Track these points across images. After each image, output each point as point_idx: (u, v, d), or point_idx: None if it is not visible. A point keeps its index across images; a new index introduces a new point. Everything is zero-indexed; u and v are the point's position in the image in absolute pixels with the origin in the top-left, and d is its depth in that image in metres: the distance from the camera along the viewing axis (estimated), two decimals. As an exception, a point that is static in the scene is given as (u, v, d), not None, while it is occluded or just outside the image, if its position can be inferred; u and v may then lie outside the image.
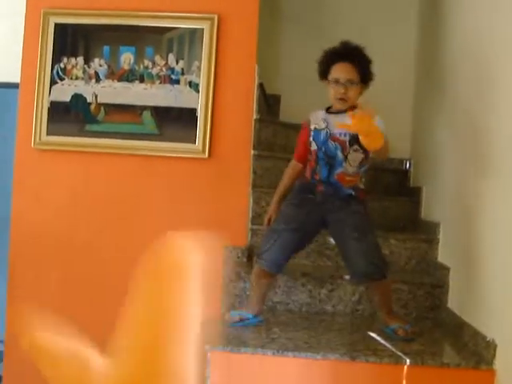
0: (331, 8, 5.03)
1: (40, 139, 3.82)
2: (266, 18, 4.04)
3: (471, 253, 2.95)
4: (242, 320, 3.00)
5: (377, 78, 4.79)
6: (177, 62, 3.79)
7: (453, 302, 3.21)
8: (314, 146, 2.97)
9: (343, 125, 2.72)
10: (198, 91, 3.75)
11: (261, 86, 4.08)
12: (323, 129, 2.94)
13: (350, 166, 2.91)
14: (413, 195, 4.31)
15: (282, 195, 3.08)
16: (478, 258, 2.85)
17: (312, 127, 2.99)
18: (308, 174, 3.01)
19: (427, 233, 3.75)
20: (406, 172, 4.73)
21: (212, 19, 3.75)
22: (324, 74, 2.96)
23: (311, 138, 2.98)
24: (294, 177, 3.10)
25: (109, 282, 3.77)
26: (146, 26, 3.82)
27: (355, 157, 2.91)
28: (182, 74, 3.79)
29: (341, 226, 2.94)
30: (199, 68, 3.76)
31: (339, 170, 2.91)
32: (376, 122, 2.59)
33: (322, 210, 2.95)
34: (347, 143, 2.89)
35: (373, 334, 2.96)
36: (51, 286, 3.80)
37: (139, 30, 3.82)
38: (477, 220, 2.89)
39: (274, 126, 4.14)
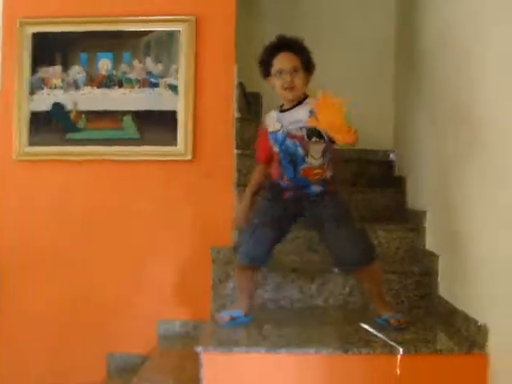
0: (309, 3, 5.03)
1: (22, 150, 3.80)
2: (244, 16, 4.04)
3: (458, 239, 2.95)
4: (232, 319, 2.99)
5: (356, 70, 4.84)
6: (155, 65, 3.79)
7: (443, 289, 3.21)
8: (276, 148, 2.97)
9: (312, 121, 2.70)
10: (178, 93, 3.75)
11: (241, 84, 4.08)
12: (279, 129, 2.94)
13: (313, 159, 2.90)
14: (398, 185, 4.30)
15: (251, 198, 3.09)
16: (465, 244, 2.85)
17: (270, 130, 3.00)
18: (275, 177, 3.02)
19: (414, 222, 3.75)
20: (390, 162, 4.73)
21: (189, 21, 3.75)
22: (267, 70, 2.95)
23: (272, 141, 2.98)
24: (261, 180, 3.12)
25: (94, 288, 3.77)
26: (123, 31, 3.81)
27: (317, 149, 2.89)
28: (161, 77, 3.78)
29: (318, 219, 2.95)
30: (178, 70, 3.76)
31: (303, 166, 2.90)
32: (343, 113, 2.56)
33: (297, 204, 2.96)
34: (305, 137, 2.88)
35: (365, 326, 2.96)
36: (36, 296, 3.79)
37: (116, 36, 3.82)
38: (462, 206, 2.90)
39: (255, 124, 4.12)
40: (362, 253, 2.93)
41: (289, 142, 2.91)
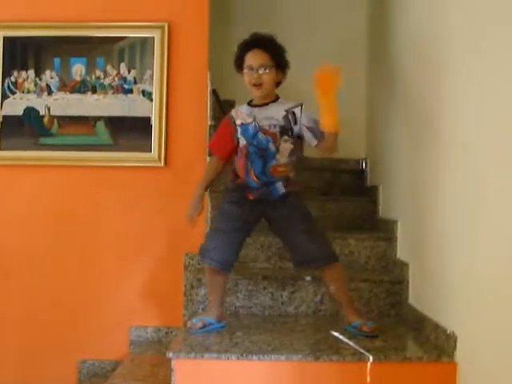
0: (280, 8, 5.06)
1: (-7, 154, 3.78)
2: (216, 23, 4.05)
3: (428, 248, 2.98)
4: (204, 326, 2.99)
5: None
6: (129, 72, 3.79)
7: (413, 298, 3.24)
8: (242, 141, 3.01)
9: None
10: (152, 100, 3.76)
11: (214, 92, 4.09)
12: (250, 123, 2.99)
13: (281, 157, 2.97)
14: (370, 195, 4.34)
15: (203, 192, 3.11)
16: (434, 253, 2.88)
17: (238, 122, 3.03)
18: (241, 172, 3.02)
19: (385, 231, 3.78)
20: (362, 172, 4.77)
21: (162, 27, 3.76)
22: (240, 66, 3.01)
23: (239, 134, 3.02)
24: (215, 176, 3.14)
25: (65, 294, 3.75)
26: (96, 37, 3.81)
27: (286, 147, 2.97)
28: (135, 83, 3.79)
29: (284, 220, 3.00)
30: (152, 77, 3.77)
31: (273, 163, 2.96)
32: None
33: (262, 206, 3.01)
34: (278, 134, 2.95)
35: (335, 333, 2.97)
36: (6, 303, 3.77)
37: (89, 41, 3.82)
38: (432, 216, 2.93)
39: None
40: (326, 251, 3.00)
41: (261, 136, 2.96)
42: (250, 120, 2.99)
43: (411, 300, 3.27)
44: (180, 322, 3.56)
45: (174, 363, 2.65)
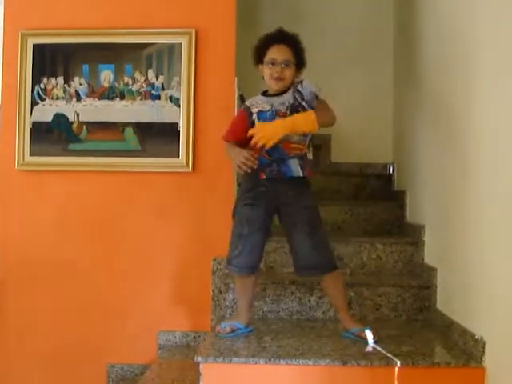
0: (308, 16, 5.06)
1: (23, 160, 3.83)
2: (244, 29, 4.07)
3: (456, 253, 2.97)
4: (233, 331, 3.00)
5: (357, 85, 4.87)
6: (157, 78, 3.82)
7: (441, 303, 3.23)
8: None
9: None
10: (179, 106, 3.78)
11: (241, 97, 4.11)
12: (268, 110, 2.99)
13: (293, 135, 2.93)
14: (397, 199, 4.33)
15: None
16: (463, 258, 2.87)
17: (255, 110, 3.03)
18: (256, 152, 3.00)
19: (413, 235, 3.77)
20: (389, 176, 4.76)
21: (190, 34, 3.78)
22: (260, 57, 3.03)
23: (255, 120, 3.01)
24: None
25: (95, 298, 3.78)
26: (125, 43, 3.85)
27: None
28: (163, 89, 3.82)
29: (293, 219, 2.99)
30: (179, 83, 3.79)
31: (284, 139, 2.91)
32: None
33: (275, 201, 3.00)
34: (288, 113, 2.95)
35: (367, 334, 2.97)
36: (36, 308, 3.81)
37: (117, 48, 3.85)
38: (459, 220, 2.92)
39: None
40: (327, 259, 3.00)
41: (277, 118, 2.96)
42: (268, 107, 3.00)
43: (439, 305, 3.26)
44: (208, 326, 3.59)
45: (202, 367, 2.66)
